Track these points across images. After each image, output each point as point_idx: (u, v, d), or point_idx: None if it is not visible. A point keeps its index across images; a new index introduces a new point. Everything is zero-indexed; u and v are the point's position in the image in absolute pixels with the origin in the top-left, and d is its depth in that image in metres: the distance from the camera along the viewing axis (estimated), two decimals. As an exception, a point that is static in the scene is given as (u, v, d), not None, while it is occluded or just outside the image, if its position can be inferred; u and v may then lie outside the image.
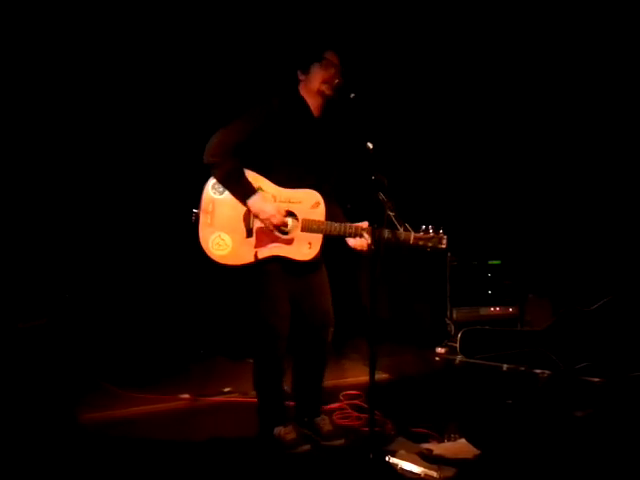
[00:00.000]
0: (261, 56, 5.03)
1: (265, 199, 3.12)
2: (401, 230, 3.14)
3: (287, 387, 3.43)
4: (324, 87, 3.21)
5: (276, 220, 3.11)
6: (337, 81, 3.19)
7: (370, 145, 2.91)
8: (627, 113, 5.39)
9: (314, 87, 3.23)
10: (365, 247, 3.14)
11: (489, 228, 5.80)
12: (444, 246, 3.19)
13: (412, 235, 3.16)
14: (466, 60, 5.69)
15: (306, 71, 3.25)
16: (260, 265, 3.15)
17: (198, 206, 3.13)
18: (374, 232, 2.93)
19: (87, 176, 4.88)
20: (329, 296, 3.38)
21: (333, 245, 3.26)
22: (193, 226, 3.13)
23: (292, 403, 3.47)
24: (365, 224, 3.14)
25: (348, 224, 3.17)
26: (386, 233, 3.07)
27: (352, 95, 3.08)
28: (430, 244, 3.17)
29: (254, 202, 3.10)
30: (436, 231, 3.18)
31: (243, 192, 3.12)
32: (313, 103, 3.27)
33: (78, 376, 4.19)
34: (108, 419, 3.67)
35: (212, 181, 3.15)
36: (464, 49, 5.65)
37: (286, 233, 3.16)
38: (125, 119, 4.94)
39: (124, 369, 4.50)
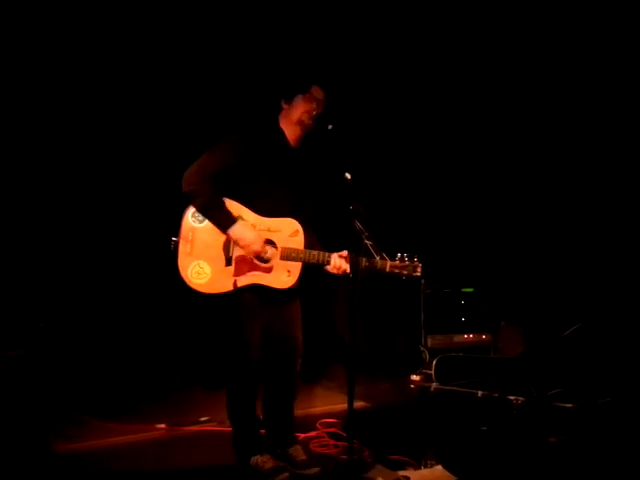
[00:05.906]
0: (243, 84, 5.05)
1: (245, 227, 3.16)
2: (377, 259, 3.21)
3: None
4: (304, 117, 3.25)
5: (256, 247, 3.14)
6: (316, 112, 3.25)
7: (348, 175, 2.97)
8: (607, 137, 5.48)
9: (294, 117, 3.27)
10: (342, 268, 3.18)
11: (462, 256, 5.88)
12: (419, 274, 3.26)
13: (388, 263, 3.22)
14: (440, 91, 5.82)
15: (289, 101, 3.30)
16: (236, 295, 3.16)
17: (177, 234, 3.14)
18: (351, 260, 2.97)
19: (62, 202, 4.83)
20: (300, 328, 3.40)
21: (308, 275, 3.30)
22: (171, 254, 3.13)
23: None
24: (344, 253, 3.19)
25: (327, 253, 3.22)
26: (363, 261, 3.14)
27: (330, 127, 3.13)
28: (405, 272, 3.24)
29: (234, 230, 3.13)
30: (411, 259, 3.26)
31: (223, 221, 3.14)
32: (291, 134, 3.31)
33: (53, 407, 4.11)
34: (83, 450, 3.63)
35: (192, 209, 3.16)
36: (438, 81, 5.78)
37: (266, 261, 3.19)
38: (106, 145, 4.92)
39: (100, 399, 4.44)
